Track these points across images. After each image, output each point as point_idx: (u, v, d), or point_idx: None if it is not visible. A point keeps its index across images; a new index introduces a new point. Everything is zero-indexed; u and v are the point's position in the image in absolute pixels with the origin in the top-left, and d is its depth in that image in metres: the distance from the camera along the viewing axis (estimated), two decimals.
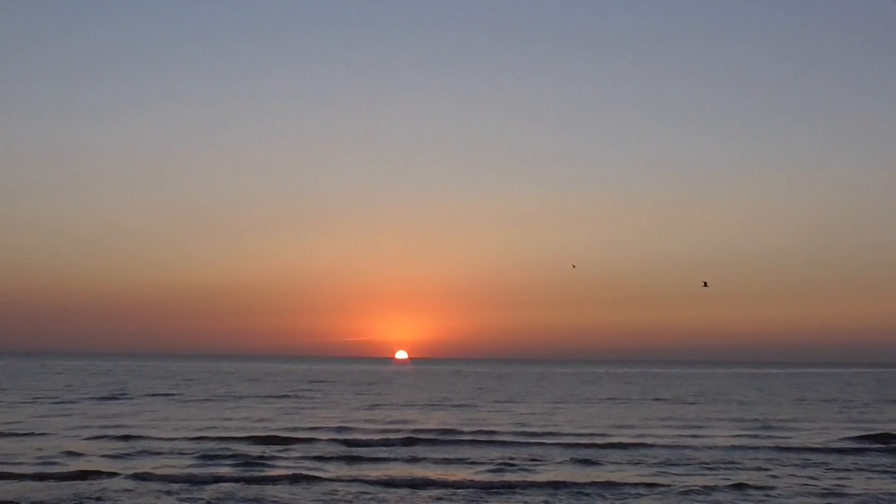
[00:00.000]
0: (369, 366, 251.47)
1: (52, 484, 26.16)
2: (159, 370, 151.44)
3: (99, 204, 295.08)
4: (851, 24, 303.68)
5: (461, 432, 41.90)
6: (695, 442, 39.30)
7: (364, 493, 25.13)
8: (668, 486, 27.16)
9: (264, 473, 28.64)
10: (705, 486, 26.81)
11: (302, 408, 57.94)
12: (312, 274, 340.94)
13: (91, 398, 65.52)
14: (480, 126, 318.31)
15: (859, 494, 26.09)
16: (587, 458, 33.37)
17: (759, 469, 31.23)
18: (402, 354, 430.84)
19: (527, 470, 30.13)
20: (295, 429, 42.68)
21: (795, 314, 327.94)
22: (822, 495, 25.98)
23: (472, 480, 27.57)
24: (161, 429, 42.04)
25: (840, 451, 36.88)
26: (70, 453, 32.53)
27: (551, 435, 41.74)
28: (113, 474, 27.76)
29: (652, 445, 37.44)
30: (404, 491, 25.60)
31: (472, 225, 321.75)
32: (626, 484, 27.30)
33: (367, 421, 47.96)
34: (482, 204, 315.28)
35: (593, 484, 27.15)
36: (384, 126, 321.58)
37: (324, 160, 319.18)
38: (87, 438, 37.64)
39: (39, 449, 33.58)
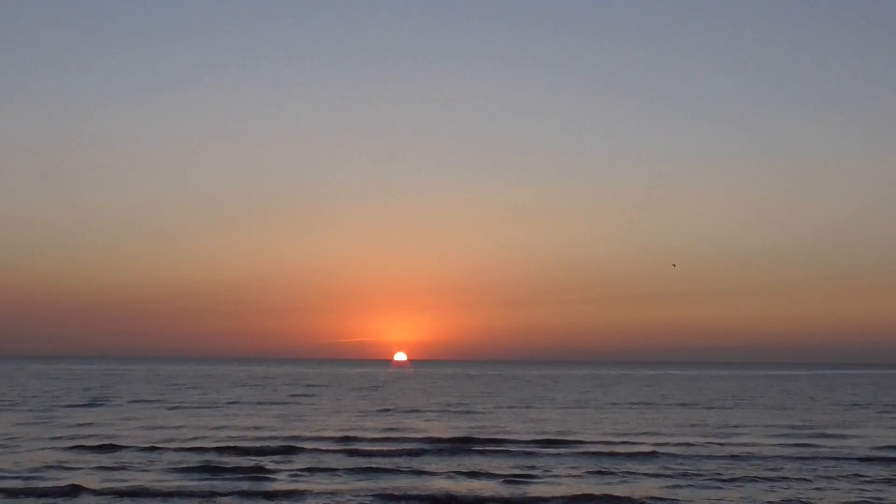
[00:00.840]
0: (367, 368, 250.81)
1: (30, 502, 24.92)
2: (144, 374, 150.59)
3: (80, 198, 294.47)
4: (857, 10, 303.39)
5: (475, 440, 41.14)
6: (739, 451, 38.15)
7: None
8: (718, 501, 25.91)
9: (266, 488, 27.51)
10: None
11: (301, 415, 57.17)
12: (306, 271, 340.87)
13: (72, 405, 64.66)
14: (482, 119, 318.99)
15: None
16: (616, 468, 32.33)
17: (810, 480, 29.93)
18: (400, 356, 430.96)
19: (550, 482, 29.06)
20: (296, 438, 41.81)
21: (800, 312, 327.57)
22: None
23: (496, 495, 26.42)
24: (148, 438, 41.15)
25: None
26: (49, 466, 31.34)
27: (574, 443, 40.75)
28: (96, 491, 26.51)
29: (694, 456, 36.22)
30: None
31: (474, 220, 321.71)
32: (669, 500, 26.06)
33: (373, 429, 47.15)
34: (484, 198, 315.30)
35: (629, 500, 25.85)
36: (382, 119, 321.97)
37: (320, 154, 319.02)
38: (67, 449, 36.64)
39: (17, 463, 32.35)
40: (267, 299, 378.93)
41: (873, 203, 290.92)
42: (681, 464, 33.86)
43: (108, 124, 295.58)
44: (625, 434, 45.44)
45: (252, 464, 32.45)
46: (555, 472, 31.57)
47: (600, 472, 31.25)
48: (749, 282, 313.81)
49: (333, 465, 32.39)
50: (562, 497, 26.20)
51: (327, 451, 36.40)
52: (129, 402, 68.54)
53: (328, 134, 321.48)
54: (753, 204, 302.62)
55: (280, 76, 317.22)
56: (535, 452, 37.08)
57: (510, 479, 29.43)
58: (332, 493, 26.41)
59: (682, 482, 29.31)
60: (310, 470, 31.04)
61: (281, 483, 28.29)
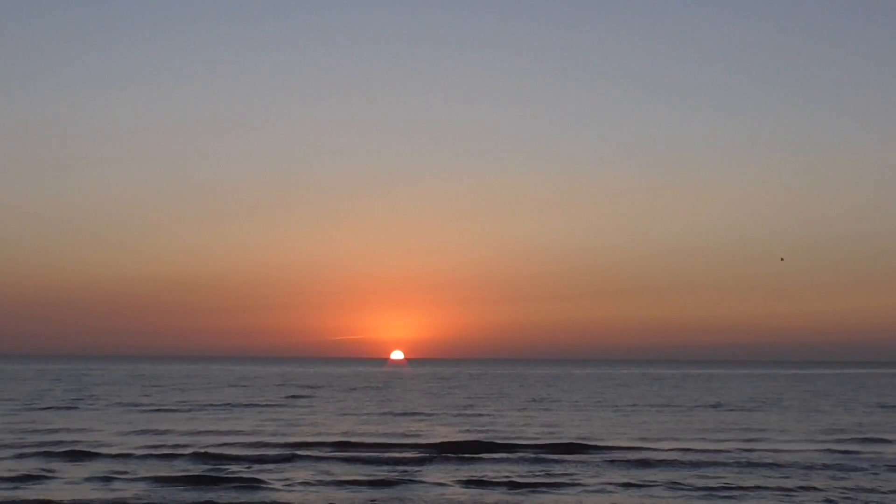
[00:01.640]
0: (363, 367, 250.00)
1: None
2: (125, 374, 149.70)
3: (57, 189, 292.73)
4: None
5: (488, 445, 40.18)
6: (775, 458, 37.05)
7: None
8: None
9: (262, 500, 26.24)
10: None
11: (296, 419, 56.30)
12: (297, 266, 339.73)
13: (47, 407, 63.80)
14: (481, 110, 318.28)
15: None
16: (649, 478, 31.10)
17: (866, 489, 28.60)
18: (397, 355, 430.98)
19: (576, 493, 27.89)
20: (294, 444, 40.75)
21: (817, 307, 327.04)
22: None
23: None
24: (131, 444, 40.17)
25: None
26: (19, 477, 30.13)
27: (598, 449, 39.71)
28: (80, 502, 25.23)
29: (731, 464, 35.07)
30: None
31: (473, 212, 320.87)
32: None
33: (375, 434, 46.19)
34: (484, 189, 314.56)
35: None
36: (379, 110, 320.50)
37: (313, 144, 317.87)
38: (39, 456, 35.55)
39: None
40: (255, 295, 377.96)
41: (876, 196, 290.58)
42: (716, 472, 32.71)
43: (96, 114, 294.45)
44: (652, 439, 44.56)
45: (247, 473, 31.46)
46: (581, 480, 30.43)
47: (632, 484, 29.94)
48: (761, 275, 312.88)
49: (335, 474, 31.46)
50: None
51: (328, 458, 35.62)
52: (110, 404, 67.71)
53: (323, 124, 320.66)
54: (766, 193, 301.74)
55: (275, 66, 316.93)
56: (556, 459, 36.11)
57: (532, 488, 28.52)
58: None
59: (721, 494, 28.00)
60: (310, 481, 30.10)
61: (279, 494, 27.27)
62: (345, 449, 39.10)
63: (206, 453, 36.23)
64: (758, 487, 29.38)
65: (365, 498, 26.87)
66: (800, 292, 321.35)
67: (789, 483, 30.37)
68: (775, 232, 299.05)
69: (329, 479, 30.46)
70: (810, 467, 34.33)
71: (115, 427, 48.54)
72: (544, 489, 28.68)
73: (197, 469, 32.24)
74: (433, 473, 31.90)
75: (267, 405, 68.62)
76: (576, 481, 30.39)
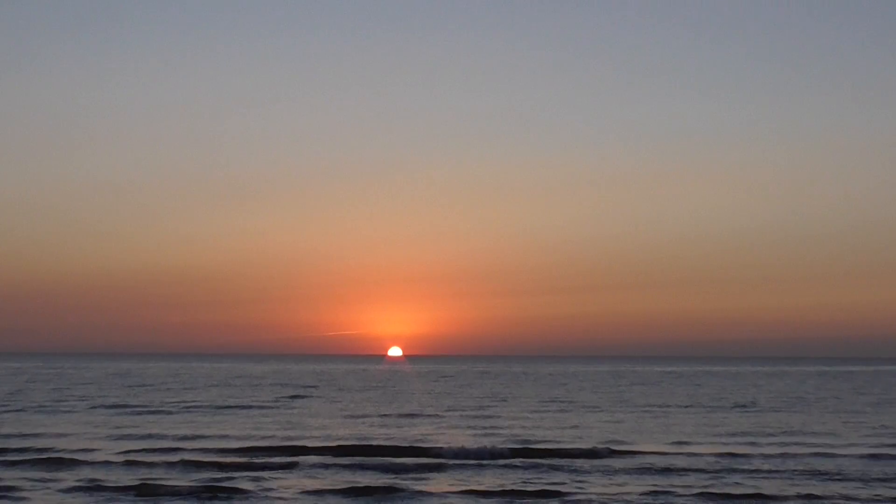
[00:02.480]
0: (359, 365, 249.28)
1: None
2: (107, 372, 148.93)
3: (27, 173, 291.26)
4: None
5: (511, 452, 39.21)
6: (836, 465, 35.87)
7: None
8: None
9: None
10: None
11: (293, 421, 55.50)
12: (288, 257, 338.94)
13: (19, 409, 62.94)
14: (483, 90, 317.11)
15: None
16: (678, 486, 29.74)
17: None
18: (395, 351, 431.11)
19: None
20: (291, 450, 39.83)
21: (827, 301, 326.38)
22: None
23: None
24: (117, 450, 39.36)
25: None
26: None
27: (629, 455, 38.68)
28: None
29: (786, 472, 34.07)
30: None
31: (476, 199, 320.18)
32: None
33: (380, 438, 45.18)
34: (487, 175, 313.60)
35: None
36: (372, 91, 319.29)
37: (303, 128, 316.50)
38: (11, 465, 34.58)
39: None
40: (244, 288, 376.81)
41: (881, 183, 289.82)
42: (763, 479, 31.43)
43: (76, 97, 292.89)
44: (686, 442, 43.80)
45: (240, 483, 30.65)
46: (617, 489, 29.17)
47: (665, 491, 28.76)
48: (779, 266, 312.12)
49: (338, 486, 30.56)
50: None
51: (330, 467, 34.90)
52: (94, 406, 66.86)
53: (315, 107, 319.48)
54: (786, 177, 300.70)
55: (268, 51, 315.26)
56: (586, 468, 35.05)
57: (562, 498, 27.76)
58: None
59: None
60: (309, 489, 29.51)
61: None
62: (348, 455, 38.41)
63: (196, 461, 35.59)
64: (812, 496, 28.20)
65: None
66: (821, 284, 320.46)
67: (850, 491, 29.10)
68: (794, 219, 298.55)
69: (331, 487, 29.83)
70: (865, 475, 33.09)
71: (97, 431, 47.90)
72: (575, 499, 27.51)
73: (186, 479, 31.54)
74: (444, 482, 31.25)
75: (260, 406, 67.86)
76: (613, 490, 29.15)
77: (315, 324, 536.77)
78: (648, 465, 35.43)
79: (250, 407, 66.96)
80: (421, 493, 29.06)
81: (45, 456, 36.56)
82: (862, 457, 38.42)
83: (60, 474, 32.45)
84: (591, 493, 29.00)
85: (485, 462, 36.45)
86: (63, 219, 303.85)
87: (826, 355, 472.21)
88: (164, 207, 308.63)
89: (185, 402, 72.14)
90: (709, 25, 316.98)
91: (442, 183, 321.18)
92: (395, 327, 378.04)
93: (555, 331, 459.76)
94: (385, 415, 60.09)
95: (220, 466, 34.48)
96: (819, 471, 34.07)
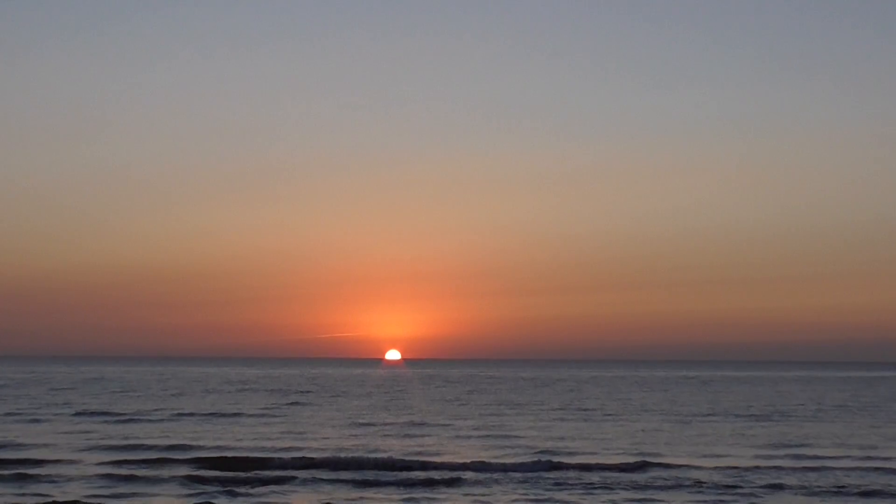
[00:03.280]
0: (356, 369, 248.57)
1: None
2: (90, 377, 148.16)
3: (4, 167, 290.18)
4: None
5: (534, 464, 38.55)
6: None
7: None
8: None
9: None
10: None
11: (291, 430, 54.82)
12: (278, 255, 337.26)
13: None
14: (491, 72, 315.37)
15: None
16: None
17: None
18: (393, 354, 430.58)
19: None
20: (291, 462, 39.24)
21: (854, 301, 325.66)
22: None
23: None
24: (100, 461, 38.82)
25: None
26: None
27: (668, 468, 37.68)
28: None
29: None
30: None
31: (479, 192, 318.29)
32: None
33: (386, 450, 44.32)
34: (493, 166, 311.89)
35: None
36: (371, 71, 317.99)
37: (294, 114, 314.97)
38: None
39: None
40: (231, 288, 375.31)
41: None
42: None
43: (59, 85, 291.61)
44: (725, 455, 43.08)
45: (238, 501, 30.13)
46: None
47: None
48: (800, 264, 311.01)
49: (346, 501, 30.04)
50: None
51: (334, 482, 34.50)
52: (77, 413, 66.16)
53: (307, 90, 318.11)
54: (813, 170, 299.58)
55: (259, 38, 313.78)
56: (626, 483, 34.38)
57: None
58: None
59: None
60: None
61: None
62: (353, 468, 37.94)
63: (185, 476, 35.29)
64: None
65: None
66: (841, 283, 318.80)
67: None
68: (817, 216, 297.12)
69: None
70: None
71: (80, 440, 47.38)
72: None
73: (174, 491, 31.25)
74: (461, 499, 30.76)
75: (253, 414, 67.15)
76: None
77: (307, 325, 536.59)
78: (688, 480, 34.80)
79: (242, 415, 66.28)
80: None
81: (14, 471, 35.81)
82: None
83: (33, 487, 31.92)
84: None
85: (504, 476, 35.81)
86: (39, 214, 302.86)
87: (847, 359, 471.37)
88: (148, 203, 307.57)
89: (172, 409, 71.58)
90: (711, 12, 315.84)
91: (442, 177, 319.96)
92: (392, 329, 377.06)
93: (562, 333, 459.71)
94: (390, 423, 59.38)
95: (211, 481, 34.07)
96: (882, 491, 32.88)
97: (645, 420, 64.32)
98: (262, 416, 65.87)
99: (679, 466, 38.52)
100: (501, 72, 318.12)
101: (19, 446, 44.41)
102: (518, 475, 35.97)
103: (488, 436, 51.34)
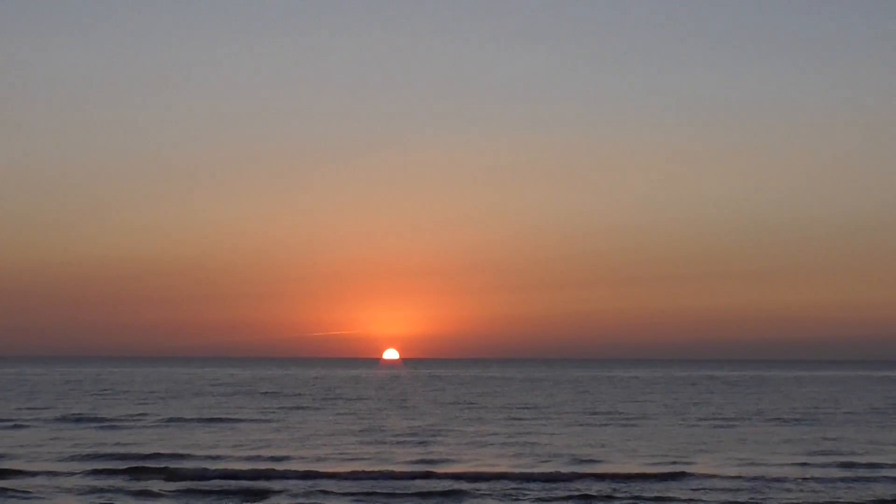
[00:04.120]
0: (352, 370, 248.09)
1: None
2: (64, 378, 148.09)
3: None
4: None
5: (575, 476, 38.13)
6: None
7: None
8: None
9: None
10: None
11: (288, 438, 54.37)
12: (267, 248, 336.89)
13: None
14: (496, 50, 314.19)
15: None
16: None
17: None
18: (391, 354, 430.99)
19: None
20: (283, 474, 39.03)
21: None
22: None
23: None
24: (80, 471, 38.47)
25: None
26: None
27: (703, 479, 37.06)
28: None
29: None
30: None
31: (485, 180, 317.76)
32: None
33: (389, 460, 43.77)
34: (498, 151, 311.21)
35: None
36: (361, 49, 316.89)
37: (285, 99, 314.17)
38: None
39: None
40: (217, 283, 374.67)
41: None
42: None
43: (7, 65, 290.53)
44: (774, 464, 42.43)
45: None
46: None
47: None
48: (844, 256, 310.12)
49: None
50: None
51: (344, 496, 34.15)
52: (58, 418, 65.75)
53: (298, 74, 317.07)
54: (856, 157, 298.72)
55: (237, 8, 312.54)
56: (667, 494, 33.90)
57: None
58: None
59: None
60: None
61: None
62: (364, 479, 37.66)
63: (186, 489, 35.06)
64: None
65: None
66: (865, 276, 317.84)
67: None
68: (863, 204, 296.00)
69: None
70: None
71: (62, 448, 47.01)
72: None
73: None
74: None
75: (250, 420, 66.60)
76: None
77: (299, 323, 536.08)
78: (735, 490, 34.35)
79: (239, 420, 65.77)
80: None
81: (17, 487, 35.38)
82: None
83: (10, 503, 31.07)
84: None
85: (532, 486, 35.62)
86: (13, 206, 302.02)
87: (867, 357, 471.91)
88: (126, 194, 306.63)
89: (162, 413, 71.16)
90: None
91: (443, 163, 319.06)
92: (390, 327, 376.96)
93: (570, 331, 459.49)
94: (400, 430, 58.83)
95: (211, 495, 33.92)
96: None
97: (673, 424, 63.94)
98: (261, 421, 65.42)
99: (721, 476, 38.08)
100: (509, 46, 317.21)
101: None
102: (547, 485, 35.67)
103: (508, 443, 50.84)
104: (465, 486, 35.55)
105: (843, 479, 37.60)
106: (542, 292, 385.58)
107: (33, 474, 38.22)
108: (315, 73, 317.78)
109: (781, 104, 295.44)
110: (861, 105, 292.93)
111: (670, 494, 34.02)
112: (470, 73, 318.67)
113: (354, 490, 34.91)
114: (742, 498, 33.19)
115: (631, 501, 32.64)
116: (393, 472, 38.96)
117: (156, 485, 35.93)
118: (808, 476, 38.12)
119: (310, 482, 36.53)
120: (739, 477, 37.91)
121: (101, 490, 34.81)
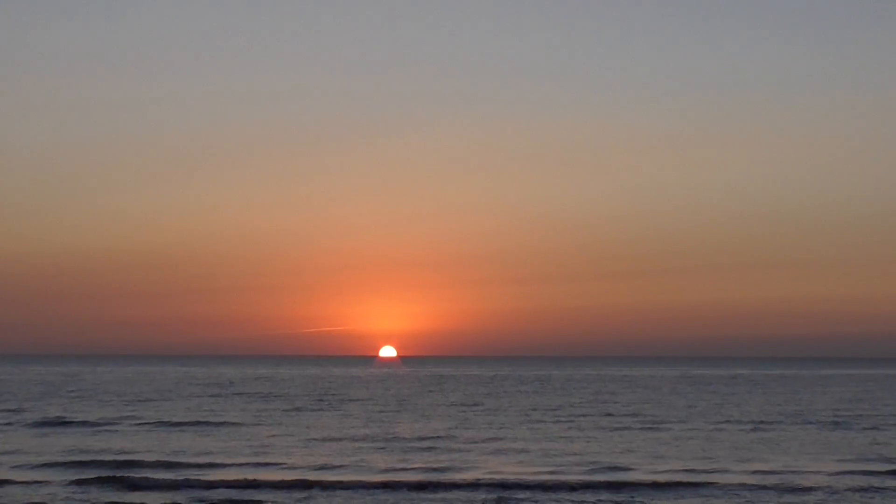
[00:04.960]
0: (349, 368, 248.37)
1: None
2: (39, 379, 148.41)
3: None
4: None
5: (609, 485, 38.02)
6: None
7: None
8: None
9: None
10: None
11: (286, 444, 53.75)
12: (255, 238, 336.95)
13: None
14: (493, 28, 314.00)
15: None
16: None
17: None
18: (388, 351, 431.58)
19: None
20: (309, 484, 38.33)
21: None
22: None
23: None
24: (58, 482, 38.15)
25: None
26: None
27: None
28: None
29: None
30: None
31: (485, 168, 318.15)
32: None
33: (399, 469, 43.38)
34: (499, 138, 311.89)
35: None
36: (356, 35, 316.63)
37: (275, 81, 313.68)
38: None
39: None
40: (201, 275, 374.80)
41: None
42: None
43: None
44: (822, 472, 42.08)
45: None
46: None
47: None
48: (868, 245, 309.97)
49: None
50: None
51: None
52: (32, 423, 65.40)
53: (292, 63, 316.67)
54: (872, 140, 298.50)
55: None
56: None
57: None
58: None
59: None
60: None
61: None
62: (380, 488, 37.39)
63: (160, 502, 34.90)
64: None
65: None
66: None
67: None
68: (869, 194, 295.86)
69: None
70: None
71: (41, 456, 46.62)
72: None
73: None
74: None
75: (245, 423, 66.16)
76: None
77: (290, 318, 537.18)
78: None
79: (234, 424, 65.46)
80: None
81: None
82: None
83: None
84: None
85: (566, 496, 35.71)
86: None
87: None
88: (104, 181, 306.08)
89: (142, 417, 70.90)
90: None
91: (442, 148, 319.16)
92: (386, 322, 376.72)
93: (578, 326, 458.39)
94: (411, 435, 58.38)
95: None
96: None
97: (703, 427, 63.72)
98: (256, 425, 64.90)
99: (755, 487, 37.71)
100: (513, 26, 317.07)
101: None
102: (573, 494, 35.88)
103: (529, 450, 50.38)
104: (482, 495, 35.33)
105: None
106: (546, 285, 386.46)
107: (2, 483, 37.98)
108: (309, 63, 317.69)
109: (793, 85, 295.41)
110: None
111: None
112: (474, 56, 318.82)
113: (377, 501, 34.76)
114: None
115: None
116: (406, 482, 38.35)
117: (138, 497, 35.49)
118: (867, 486, 37.62)
119: (304, 492, 36.35)
120: (776, 487, 37.72)
121: (79, 502, 34.54)
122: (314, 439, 55.19)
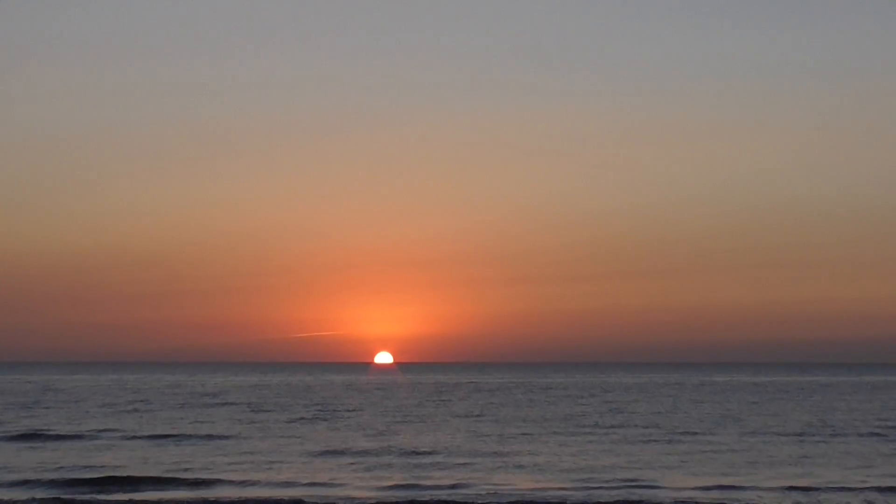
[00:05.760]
0: (344, 375, 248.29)
1: None
2: (9, 388, 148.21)
3: None
4: None
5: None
6: None
7: None
8: None
9: None
10: None
11: (267, 460, 53.51)
12: (239, 237, 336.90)
13: None
14: (493, 16, 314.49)
15: None
16: None
17: None
18: (384, 357, 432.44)
19: None
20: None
21: None
22: None
23: None
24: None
25: None
26: None
27: None
28: None
29: None
30: None
31: (487, 159, 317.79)
32: None
33: (410, 486, 43.34)
34: (500, 129, 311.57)
35: None
36: (346, 25, 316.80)
37: (265, 70, 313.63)
38: None
39: None
40: (186, 277, 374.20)
41: None
42: None
43: None
44: (857, 488, 42.65)
45: None
46: None
47: None
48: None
49: None
50: None
51: None
52: (12, 437, 65.44)
53: (279, 43, 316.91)
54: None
55: None
56: None
57: None
58: None
59: None
60: None
61: None
62: None
63: None
64: None
65: None
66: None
67: None
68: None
69: None
70: None
71: (18, 473, 46.85)
72: None
73: None
74: None
75: (237, 437, 65.96)
76: None
77: (279, 322, 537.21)
78: None
79: (216, 436, 65.20)
80: None
81: None
82: None
83: None
84: None
85: None
86: None
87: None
88: (69, 176, 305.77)
89: (127, 430, 70.73)
90: None
91: (441, 141, 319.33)
92: (381, 327, 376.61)
93: (586, 329, 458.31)
94: (416, 449, 58.12)
95: None
96: None
97: (732, 439, 63.76)
98: (246, 437, 64.90)
99: None
100: (512, 15, 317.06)
101: None
102: None
103: (550, 465, 50.36)
104: None
105: None
106: (550, 286, 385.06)
107: None
108: (296, 59, 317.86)
109: (793, 77, 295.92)
110: None
111: None
112: (474, 45, 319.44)
113: None
114: None
115: None
116: (414, 500, 38.41)
117: None
118: None
119: None
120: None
121: None
122: (310, 452, 55.16)
